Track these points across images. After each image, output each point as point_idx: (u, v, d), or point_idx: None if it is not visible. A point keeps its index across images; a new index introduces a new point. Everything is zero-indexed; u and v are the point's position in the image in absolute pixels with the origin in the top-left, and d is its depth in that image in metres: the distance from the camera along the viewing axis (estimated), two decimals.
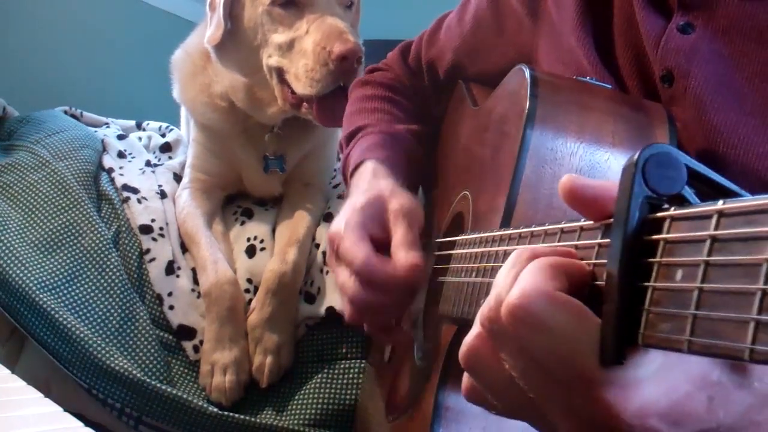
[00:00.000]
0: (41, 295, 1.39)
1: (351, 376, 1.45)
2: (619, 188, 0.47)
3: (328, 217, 1.62)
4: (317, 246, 1.57)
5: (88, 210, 1.53)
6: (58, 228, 1.50)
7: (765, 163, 0.81)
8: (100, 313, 1.43)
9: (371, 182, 1.07)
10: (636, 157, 0.46)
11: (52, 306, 1.39)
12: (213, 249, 1.54)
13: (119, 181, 1.65)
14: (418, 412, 0.95)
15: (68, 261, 1.47)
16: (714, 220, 0.40)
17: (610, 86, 0.91)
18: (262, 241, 1.58)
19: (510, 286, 0.52)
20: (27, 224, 1.50)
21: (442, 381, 0.88)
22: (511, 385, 0.54)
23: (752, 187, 0.80)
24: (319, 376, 1.47)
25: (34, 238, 1.48)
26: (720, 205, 0.40)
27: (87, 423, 0.75)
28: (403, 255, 0.94)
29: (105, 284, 1.46)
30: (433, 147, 1.25)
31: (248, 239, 1.59)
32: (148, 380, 1.37)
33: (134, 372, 1.37)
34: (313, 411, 1.43)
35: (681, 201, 0.46)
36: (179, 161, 1.79)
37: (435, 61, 1.26)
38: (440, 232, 1.07)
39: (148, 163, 1.78)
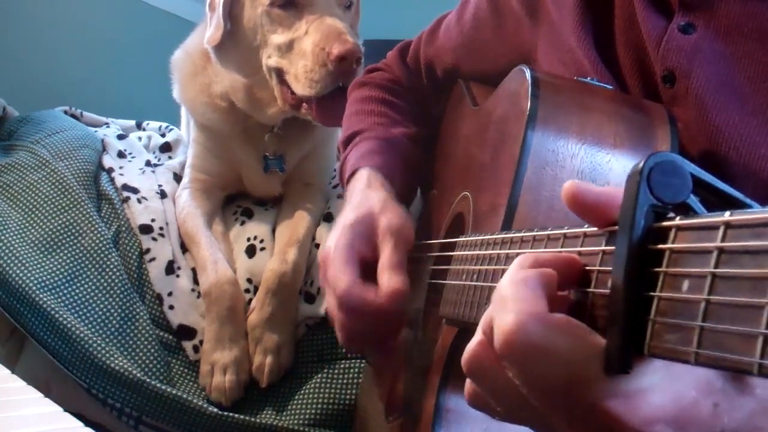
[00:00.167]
0: (41, 295, 1.39)
1: (351, 376, 1.45)
2: (624, 196, 0.47)
3: (328, 217, 1.62)
4: (317, 246, 1.56)
5: (88, 210, 1.53)
6: (58, 228, 1.50)
7: (767, 163, 0.81)
8: (100, 313, 1.43)
9: (364, 194, 1.07)
10: (641, 165, 0.45)
11: (52, 306, 1.39)
12: (213, 249, 1.54)
13: (119, 181, 1.65)
14: (418, 413, 0.95)
15: (68, 261, 1.47)
16: (721, 232, 0.40)
17: (610, 87, 0.90)
18: (262, 241, 1.58)
19: (510, 299, 0.52)
20: (27, 224, 1.50)
21: (442, 382, 0.87)
22: (514, 392, 0.54)
23: (754, 187, 0.80)
24: (319, 376, 1.47)
25: (34, 238, 1.48)
26: (727, 216, 0.40)
27: (87, 423, 0.75)
28: (386, 280, 0.95)
29: (105, 284, 1.46)
30: (433, 148, 1.25)
31: (248, 239, 1.59)
32: (148, 380, 1.37)
33: (134, 372, 1.37)
34: (313, 411, 1.44)
35: (686, 209, 0.45)
36: (179, 161, 1.79)
37: (434, 60, 1.26)
38: (440, 232, 1.07)
39: (148, 163, 1.78)
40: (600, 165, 0.80)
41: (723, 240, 0.40)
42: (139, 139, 1.90)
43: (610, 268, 0.48)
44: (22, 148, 1.65)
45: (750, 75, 0.83)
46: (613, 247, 0.48)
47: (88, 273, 1.47)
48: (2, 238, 1.45)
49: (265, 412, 1.46)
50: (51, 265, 1.45)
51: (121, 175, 1.67)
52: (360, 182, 1.10)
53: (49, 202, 1.53)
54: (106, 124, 1.96)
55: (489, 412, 0.60)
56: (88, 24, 3.04)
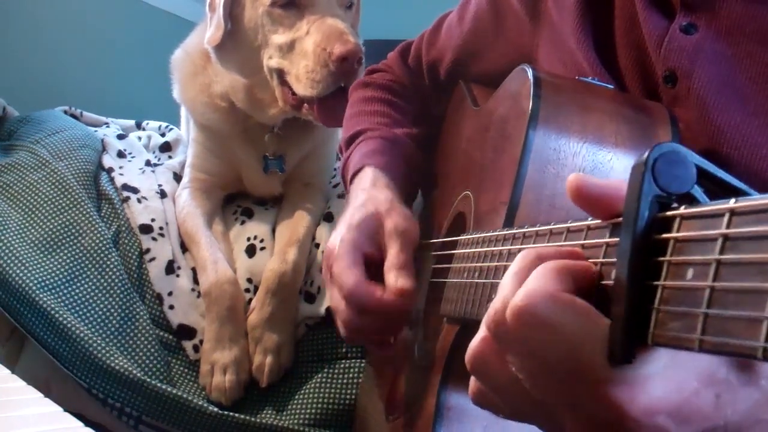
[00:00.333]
0: (41, 295, 1.39)
1: (351, 376, 1.45)
2: (628, 187, 0.47)
3: (328, 217, 1.62)
4: (317, 246, 1.57)
5: (88, 210, 1.53)
6: (58, 228, 1.50)
7: None
8: (100, 312, 1.43)
9: (369, 193, 1.07)
10: (646, 155, 0.46)
11: (52, 306, 1.38)
12: (213, 249, 1.54)
13: (119, 181, 1.65)
14: (418, 412, 0.95)
15: (68, 261, 1.47)
16: (726, 219, 0.40)
17: (611, 86, 0.91)
18: (262, 241, 1.58)
19: (515, 288, 0.53)
20: (27, 224, 1.50)
21: (443, 381, 0.87)
22: (518, 388, 0.54)
23: (756, 187, 0.80)
24: (319, 375, 1.47)
25: (34, 238, 1.48)
26: (732, 203, 0.40)
27: (87, 423, 0.75)
28: (393, 279, 0.96)
29: (105, 284, 1.46)
30: (434, 148, 1.25)
31: (248, 239, 1.59)
32: (148, 380, 1.37)
33: (134, 372, 1.37)
34: (313, 411, 1.44)
35: (690, 200, 0.46)
36: (179, 161, 1.79)
37: (435, 61, 1.26)
38: (441, 231, 1.07)
39: (147, 163, 1.78)
40: (601, 164, 0.80)
41: (728, 227, 0.40)
42: (139, 138, 1.90)
43: (614, 260, 0.48)
44: (22, 148, 1.65)
45: (752, 75, 0.83)
46: (616, 239, 0.48)
47: (88, 273, 1.47)
48: (2, 238, 1.45)
49: (265, 411, 1.46)
50: (51, 265, 1.45)
51: (121, 174, 1.67)
52: (365, 181, 1.11)
53: (49, 202, 1.53)
54: (106, 124, 1.96)
55: (493, 410, 0.60)
56: (88, 24, 3.04)
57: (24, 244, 1.46)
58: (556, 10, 1.02)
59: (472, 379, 0.60)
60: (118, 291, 1.46)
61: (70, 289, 1.44)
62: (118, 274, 1.47)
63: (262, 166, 1.67)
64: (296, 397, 1.46)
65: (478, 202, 0.93)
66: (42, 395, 0.84)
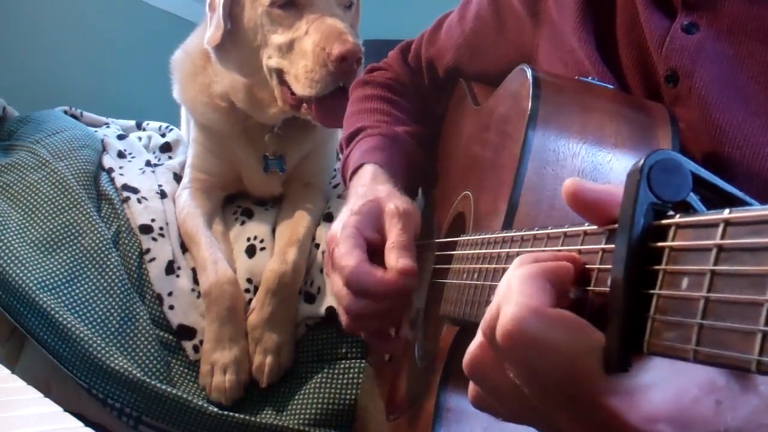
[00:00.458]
0: (41, 295, 1.39)
1: (351, 376, 1.45)
2: (623, 194, 0.47)
3: (328, 217, 1.62)
4: (317, 246, 1.57)
5: (88, 210, 1.53)
6: (58, 228, 1.50)
7: None
8: (100, 313, 1.43)
9: (369, 187, 1.07)
10: (641, 162, 0.45)
11: (52, 306, 1.38)
12: (213, 249, 1.54)
13: (119, 181, 1.65)
14: (418, 412, 0.95)
15: (68, 261, 1.47)
16: (720, 229, 0.40)
17: (612, 86, 0.90)
18: (262, 241, 1.58)
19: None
20: (27, 224, 1.50)
21: (443, 382, 0.88)
22: (516, 393, 0.54)
23: (758, 188, 0.80)
24: (319, 376, 1.47)
25: (34, 238, 1.48)
26: (726, 214, 0.40)
27: (87, 423, 0.75)
28: (394, 259, 0.95)
29: (105, 284, 1.46)
30: (434, 146, 1.25)
31: (248, 239, 1.59)
32: (148, 380, 1.37)
33: (134, 372, 1.37)
34: (313, 411, 1.44)
35: (686, 207, 0.45)
36: (179, 161, 1.79)
37: (435, 60, 1.26)
38: (441, 231, 1.07)
39: (148, 163, 1.77)
40: (601, 164, 0.80)
41: (722, 237, 0.40)
42: (139, 139, 1.90)
43: (610, 267, 0.48)
44: (22, 148, 1.65)
45: (753, 75, 0.83)
46: (612, 246, 0.48)
47: (88, 273, 1.47)
48: (2, 238, 1.45)
49: (265, 412, 1.46)
50: (51, 265, 1.45)
51: (121, 175, 1.67)
52: (364, 177, 1.11)
53: (49, 202, 1.53)
54: (106, 124, 1.96)
55: (492, 413, 0.60)
56: (88, 24, 3.04)
57: (24, 244, 1.46)
58: (557, 9, 1.02)
59: (471, 382, 0.60)
60: (118, 291, 1.46)
61: (70, 289, 1.44)
62: (118, 274, 1.47)
63: (262, 166, 1.67)
64: (296, 397, 1.46)
65: (478, 202, 0.93)
66: (42, 395, 0.84)
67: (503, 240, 0.71)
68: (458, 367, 0.76)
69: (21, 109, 1.88)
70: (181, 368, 1.48)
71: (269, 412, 1.46)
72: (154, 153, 1.87)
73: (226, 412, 1.40)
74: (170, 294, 1.51)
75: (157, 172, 1.73)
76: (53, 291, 1.42)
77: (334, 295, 1.01)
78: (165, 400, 1.38)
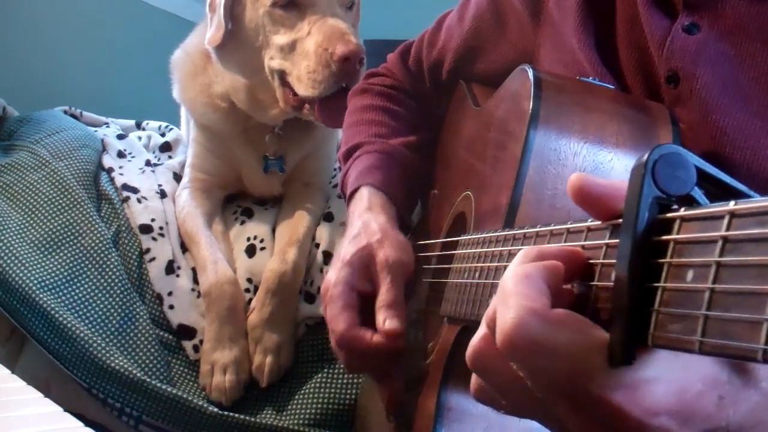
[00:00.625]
0: (41, 295, 1.39)
1: (351, 376, 1.45)
2: (628, 188, 0.47)
3: (328, 217, 1.62)
4: (317, 246, 1.57)
5: (88, 210, 1.53)
6: (58, 228, 1.50)
7: None
8: (100, 312, 1.43)
9: (364, 219, 1.08)
10: (646, 157, 0.45)
11: (52, 306, 1.38)
12: (213, 249, 1.54)
13: (119, 181, 1.65)
14: (419, 412, 0.95)
15: (68, 261, 1.47)
16: (726, 221, 0.40)
17: (612, 87, 0.90)
18: (262, 241, 1.58)
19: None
20: (27, 224, 1.50)
21: (443, 381, 0.88)
22: (519, 386, 0.54)
23: (758, 189, 0.80)
24: (319, 376, 1.47)
25: (34, 238, 1.48)
26: (732, 205, 0.40)
27: (87, 423, 0.75)
28: (381, 321, 0.97)
29: (105, 284, 1.46)
30: (434, 148, 1.25)
31: (248, 239, 1.59)
32: (148, 380, 1.37)
33: (134, 372, 1.37)
34: (313, 411, 1.44)
35: (690, 202, 0.45)
36: (179, 161, 1.79)
37: (436, 62, 1.26)
38: (442, 232, 1.07)
39: (147, 163, 1.77)
40: (602, 164, 0.80)
41: (728, 229, 0.40)
42: (139, 138, 1.90)
43: (614, 261, 0.48)
44: (22, 148, 1.65)
45: (754, 76, 0.83)
46: (616, 240, 0.48)
47: (88, 273, 1.47)
48: (2, 238, 1.45)
49: (265, 412, 1.46)
50: (51, 265, 1.45)
51: (121, 174, 1.67)
52: (361, 203, 1.12)
53: (49, 202, 1.53)
54: (106, 124, 1.96)
55: (495, 406, 0.60)
56: (88, 24, 3.04)
57: (24, 244, 1.46)
58: (558, 9, 1.02)
59: (474, 375, 0.60)
60: (118, 291, 1.46)
61: (70, 289, 1.44)
62: (118, 274, 1.47)
63: (262, 167, 1.67)
64: (296, 397, 1.46)
65: (479, 202, 0.93)
66: (42, 395, 0.84)
67: (505, 238, 0.71)
68: (459, 367, 0.76)
69: (21, 109, 1.88)
70: (181, 368, 1.48)
71: (269, 412, 1.46)
72: (153, 153, 1.88)
73: (226, 412, 1.40)
74: (170, 294, 1.51)
75: (157, 172, 1.73)
76: (53, 291, 1.42)
77: (330, 346, 1.05)
78: (165, 400, 1.38)
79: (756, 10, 0.83)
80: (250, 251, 1.57)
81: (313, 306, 1.51)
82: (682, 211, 0.44)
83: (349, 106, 1.33)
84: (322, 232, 1.58)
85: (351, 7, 1.60)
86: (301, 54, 1.50)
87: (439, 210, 1.14)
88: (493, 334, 0.54)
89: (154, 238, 1.56)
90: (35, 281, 1.41)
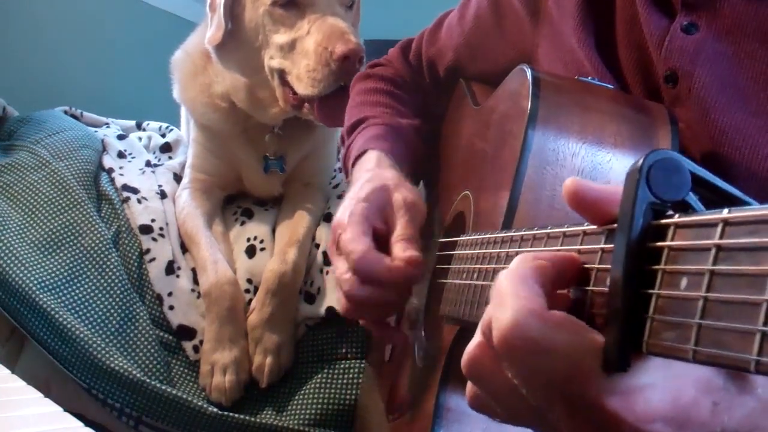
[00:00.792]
0: (41, 295, 1.39)
1: (351, 376, 1.45)
2: (623, 193, 0.47)
3: (328, 217, 1.62)
4: (317, 246, 1.57)
5: (88, 210, 1.53)
6: (58, 228, 1.50)
7: None
8: (100, 313, 1.43)
9: (376, 171, 1.06)
10: (640, 162, 0.45)
11: (52, 306, 1.38)
12: (213, 249, 1.54)
13: (119, 181, 1.65)
14: (418, 412, 0.95)
15: (68, 261, 1.47)
16: (719, 229, 0.40)
17: (612, 87, 0.90)
18: (262, 241, 1.58)
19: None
20: (27, 224, 1.50)
21: (443, 382, 0.88)
22: (515, 393, 0.54)
23: (757, 188, 0.80)
24: (319, 376, 1.47)
25: (34, 238, 1.48)
26: (725, 213, 0.40)
27: (87, 423, 0.75)
28: (401, 249, 0.95)
29: (105, 284, 1.46)
30: (434, 145, 1.25)
31: (248, 239, 1.59)
32: (148, 380, 1.37)
33: (134, 372, 1.37)
34: (313, 411, 1.44)
35: (685, 207, 0.45)
36: (179, 161, 1.79)
37: (435, 59, 1.26)
38: (441, 231, 1.07)
39: (148, 163, 1.78)
40: (601, 164, 0.80)
41: (721, 237, 0.39)
42: (139, 139, 1.90)
43: (609, 266, 0.48)
44: (22, 148, 1.65)
45: (753, 75, 0.83)
46: (612, 245, 0.48)
47: (88, 273, 1.47)
48: (2, 238, 1.45)
49: (265, 412, 1.46)
50: (51, 265, 1.45)
51: (121, 175, 1.68)
52: (370, 162, 1.10)
53: (49, 202, 1.53)
54: (106, 124, 1.96)
55: (490, 414, 0.60)
56: (88, 24, 3.05)
57: (24, 244, 1.46)
58: (557, 9, 1.02)
59: (469, 383, 0.60)
60: (118, 291, 1.46)
61: (70, 289, 1.44)
62: (118, 274, 1.47)
63: (262, 167, 1.67)
64: (296, 397, 1.46)
65: (478, 201, 0.93)
66: (42, 395, 0.84)
67: (503, 240, 0.71)
68: (458, 367, 0.76)
69: (21, 109, 1.88)
70: (181, 368, 1.48)
71: (269, 412, 1.46)
72: (154, 153, 1.88)
73: (226, 413, 1.40)
74: (170, 294, 1.51)
75: (157, 173, 1.73)
76: (53, 291, 1.42)
77: (336, 279, 1.00)
78: (165, 401, 1.38)
79: (754, 10, 0.83)
80: (250, 252, 1.57)
81: (313, 306, 1.50)
82: (677, 218, 0.44)
83: (353, 90, 1.33)
84: (322, 233, 1.58)
85: (351, 7, 1.60)
86: (301, 53, 1.50)
87: (438, 209, 1.14)
88: (488, 342, 0.54)
89: (154, 239, 1.56)
90: (35, 281, 1.41)
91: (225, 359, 1.45)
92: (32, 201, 1.53)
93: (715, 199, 0.46)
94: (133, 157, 1.78)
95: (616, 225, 0.48)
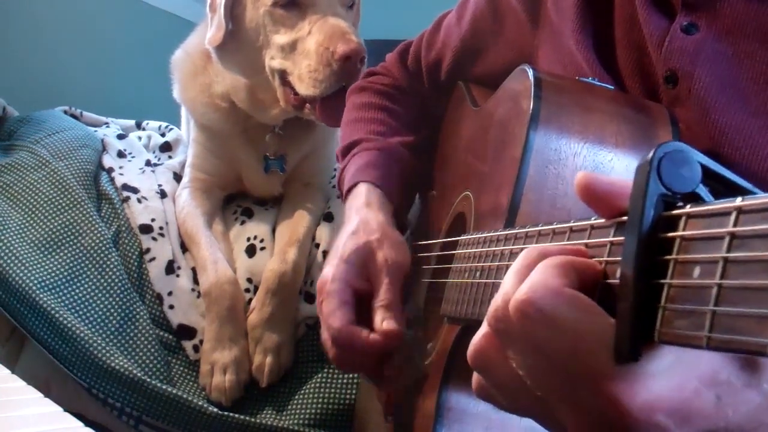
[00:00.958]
0: (41, 295, 1.39)
1: (350, 376, 1.45)
2: (633, 185, 0.47)
3: (328, 217, 1.62)
4: (317, 246, 1.57)
5: (88, 210, 1.53)
6: (58, 228, 1.50)
7: None
8: (100, 312, 1.43)
9: (362, 216, 1.08)
10: (651, 154, 0.46)
11: (52, 306, 1.38)
12: (213, 249, 1.54)
13: (119, 181, 1.65)
14: (419, 412, 0.95)
15: (68, 261, 1.47)
16: (733, 217, 0.40)
17: (612, 87, 0.91)
18: (262, 241, 1.58)
19: (517, 284, 0.53)
20: (27, 224, 1.50)
21: (443, 381, 0.88)
22: (519, 384, 0.54)
23: (757, 187, 0.80)
24: (319, 376, 1.47)
25: (34, 238, 1.48)
26: (739, 201, 0.40)
27: (87, 423, 0.75)
28: (379, 320, 0.97)
29: (105, 284, 1.46)
30: (433, 148, 1.25)
31: (248, 239, 1.59)
32: (148, 380, 1.37)
33: (134, 371, 1.37)
34: (313, 411, 1.44)
35: (695, 199, 0.46)
36: (179, 161, 1.79)
37: (435, 62, 1.26)
38: (441, 232, 1.07)
39: (148, 163, 1.78)
40: (602, 164, 0.80)
41: (735, 225, 0.40)
42: (139, 138, 1.90)
43: (619, 259, 0.48)
44: (22, 148, 1.65)
45: (753, 75, 0.83)
46: (621, 238, 0.48)
47: (88, 273, 1.47)
48: (2, 238, 1.45)
49: (265, 412, 1.46)
50: (51, 265, 1.45)
51: (121, 174, 1.68)
52: (359, 199, 1.12)
53: (49, 202, 1.53)
54: (106, 123, 1.96)
55: (495, 404, 0.60)
56: (88, 24, 3.04)
57: (24, 244, 1.46)
58: (556, 10, 1.02)
59: (474, 373, 0.60)
60: (118, 291, 1.46)
61: (70, 289, 1.44)
62: (118, 274, 1.47)
63: (262, 167, 1.67)
64: (296, 397, 1.46)
65: (479, 202, 0.93)
66: (42, 395, 0.84)
67: (506, 237, 0.71)
68: (459, 367, 0.76)
69: (21, 109, 1.88)
70: (181, 368, 1.48)
71: (269, 412, 1.46)
72: (154, 153, 1.88)
73: (226, 413, 1.40)
74: (170, 294, 1.51)
75: (157, 172, 1.73)
76: (53, 291, 1.42)
77: (322, 343, 1.04)
78: (165, 400, 1.38)
79: (754, 10, 0.83)
80: (250, 251, 1.57)
81: (313, 306, 1.50)
82: (688, 208, 0.44)
83: (348, 103, 1.33)
84: (322, 232, 1.58)
85: (351, 7, 1.60)
86: (302, 53, 1.50)
87: (438, 210, 1.14)
88: (495, 333, 0.55)
89: (154, 238, 1.56)
90: (35, 281, 1.41)
91: (225, 359, 1.45)
92: (32, 201, 1.53)
93: (724, 191, 0.46)
94: (133, 157, 1.78)
95: (625, 218, 0.48)
